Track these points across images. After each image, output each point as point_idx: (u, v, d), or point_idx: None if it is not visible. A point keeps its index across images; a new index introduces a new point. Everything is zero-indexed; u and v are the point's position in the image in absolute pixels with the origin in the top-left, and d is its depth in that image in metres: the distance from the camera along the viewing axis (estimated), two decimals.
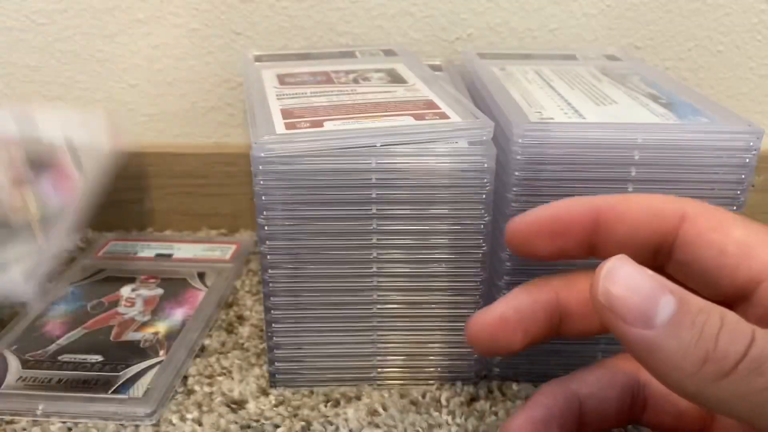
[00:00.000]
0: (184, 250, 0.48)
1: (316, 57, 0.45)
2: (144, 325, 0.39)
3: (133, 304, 0.41)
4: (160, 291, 0.43)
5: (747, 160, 0.32)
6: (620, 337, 0.18)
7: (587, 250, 0.24)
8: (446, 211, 0.32)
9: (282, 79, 0.40)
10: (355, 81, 0.39)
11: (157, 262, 0.47)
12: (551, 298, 0.24)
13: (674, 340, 0.17)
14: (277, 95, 0.37)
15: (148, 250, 0.48)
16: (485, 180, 0.31)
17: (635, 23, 0.49)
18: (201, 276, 0.44)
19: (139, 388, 0.34)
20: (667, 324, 0.17)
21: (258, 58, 0.45)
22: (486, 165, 0.31)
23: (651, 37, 0.50)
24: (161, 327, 0.39)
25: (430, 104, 0.34)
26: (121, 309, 0.41)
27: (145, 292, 0.43)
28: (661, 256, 0.23)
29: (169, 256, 0.48)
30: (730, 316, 0.17)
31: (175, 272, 0.45)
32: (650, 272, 0.18)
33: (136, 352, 0.37)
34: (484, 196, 0.31)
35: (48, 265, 0.34)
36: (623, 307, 0.17)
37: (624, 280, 0.18)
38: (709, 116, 0.34)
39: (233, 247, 0.49)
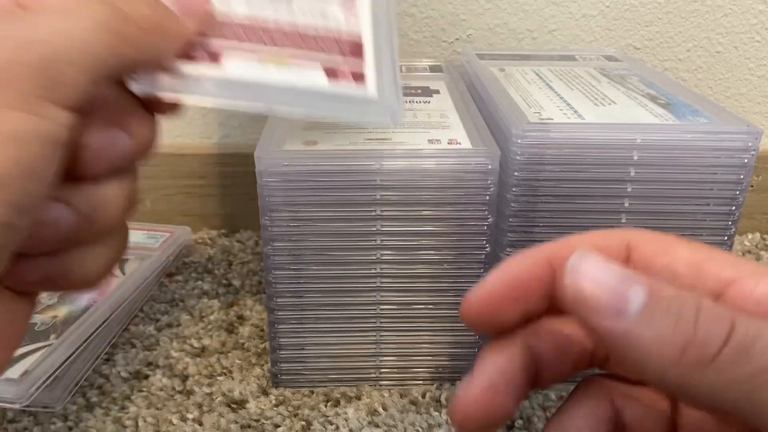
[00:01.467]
0: None
1: None
2: (48, 308, 0.39)
3: None
4: None
5: (745, 161, 0.32)
6: (594, 331, 0.17)
7: (549, 303, 0.23)
8: (449, 213, 0.32)
9: None
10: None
11: None
12: (546, 267, 0.22)
13: (649, 329, 0.16)
14: None
15: None
16: (489, 181, 0.31)
17: (634, 24, 0.50)
18: (122, 262, 0.44)
19: (16, 371, 0.33)
20: (640, 312, 0.16)
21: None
22: (489, 166, 0.31)
23: (650, 38, 0.50)
24: (62, 311, 0.38)
25: (356, 48, 0.28)
26: None
27: None
28: None
29: None
30: (707, 302, 0.17)
31: None
32: (616, 263, 0.17)
33: (30, 334, 0.36)
34: (487, 197, 0.31)
35: (52, 367, 0.34)
36: (593, 300, 0.17)
37: (591, 272, 0.17)
38: (708, 117, 0.34)
39: (167, 235, 0.48)
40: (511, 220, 0.33)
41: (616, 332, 0.17)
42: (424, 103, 0.38)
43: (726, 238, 0.34)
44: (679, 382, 0.17)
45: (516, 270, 0.22)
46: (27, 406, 0.33)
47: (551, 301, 0.22)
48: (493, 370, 0.22)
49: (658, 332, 0.16)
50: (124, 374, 0.36)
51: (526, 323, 0.23)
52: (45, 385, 0.33)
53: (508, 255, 0.33)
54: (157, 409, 0.34)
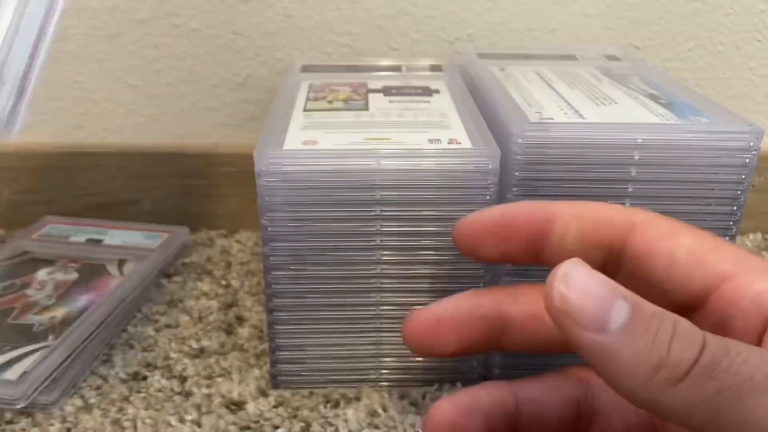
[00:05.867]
0: (116, 237, 0.47)
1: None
2: (46, 308, 0.39)
3: (43, 287, 0.41)
4: (74, 276, 0.42)
5: (747, 160, 0.32)
6: (574, 342, 0.17)
7: (533, 257, 0.23)
8: (450, 213, 0.32)
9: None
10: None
11: (85, 247, 0.46)
12: (492, 307, 0.23)
13: (628, 347, 0.17)
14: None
15: (81, 235, 0.47)
16: (489, 181, 0.31)
17: (635, 23, 0.49)
18: (121, 263, 0.44)
19: (15, 372, 0.33)
20: (622, 330, 0.17)
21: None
22: (490, 166, 0.31)
23: (651, 37, 0.50)
24: (60, 312, 0.38)
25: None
26: (29, 291, 0.40)
27: (60, 276, 0.42)
28: (609, 267, 0.22)
29: (99, 241, 0.47)
30: (683, 322, 0.17)
31: (96, 258, 0.44)
32: (604, 277, 0.18)
33: (28, 335, 0.36)
34: (487, 197, 0.31)
35: (50, 368, 0.34)
36: (578, 311, 0.17)
37: (579, 283, 0.17)
38: (709, 116, 0.34)
39: (165, 236, 0.48)
40: None
41: (596, 345, 0.17)
42: (424, 102, 0.38)
43: (727, 238, 0.34)
44: (649, 400, 0.17)
45: (511, 213, 0.23)
46: (25, 407, 0.33)
47: (534, 256, 0.23)
48: (449, 308, 0.24)
49: (635, 351, 0.17)
50: (122, 375, 0.36)
51: (511, 288, 0.24)
52: (43, 386, 0.33)
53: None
54: (156, 410, 0.33)
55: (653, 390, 0.16)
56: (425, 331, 0.24)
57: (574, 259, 0.18)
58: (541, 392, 0.23)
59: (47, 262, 0.44)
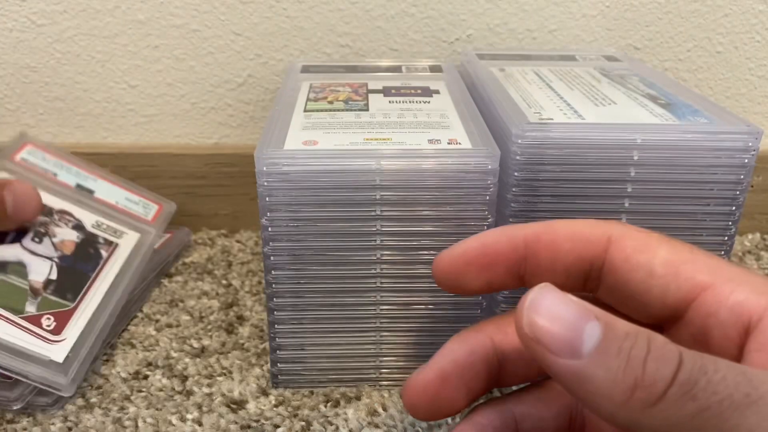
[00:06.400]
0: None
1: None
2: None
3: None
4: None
5: (746, 161, 0.32)
6: (548, 369, 0.17)
7: (517, 281, 0.23)
8: (449, 213, 0.32)
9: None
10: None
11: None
12: (487, 345, 0.23)
13: (602, 369, 0.16)
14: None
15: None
16: (488, 181, 0.31)
17: (634, 24, 0.49)
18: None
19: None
20: (593, 352, 0.16)
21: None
22: (489, 166, 0.31)
23: (650, 38, 0.50)
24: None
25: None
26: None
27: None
28: (590, 282, 0.22)
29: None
30: (658, 339, 0.17)
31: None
32: (574, 298, 0.17)
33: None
34: (487, 197, 0.31)
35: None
36: (549, 338, 0.17)
37: (548, 309, 0.17)
38: (708, 117, 0.34)
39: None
40: (511, 220, 0.33)
41: (570, 371, 0.17)
42: (424, 103, 0.38)
43: (726, 238, 0.34)
44: (628, 422, 0.16)
45: (489, 241, 0.23)
46: (23, 407, 0.33)
47: (518, 280, 0.23)
48: (449, 359, 0.23)
49: (609, 373, 0.16)
50: (123, 375, 0.36)
51: (497, 321, 0.23)
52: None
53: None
54: (157, 409, 0.34)
55: (632, 411, 0.16)
56: (433, 393, 0.22)
57: (542, 285, 0.18)
58: (536, 407, 0.23)
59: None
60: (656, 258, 0.21)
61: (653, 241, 0.21)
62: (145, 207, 0.46)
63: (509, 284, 0.23)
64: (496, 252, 0.22)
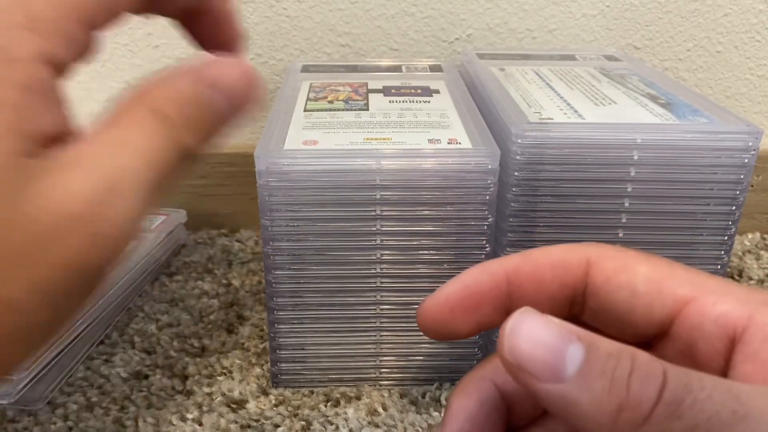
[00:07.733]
0: None
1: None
2: None
3: None
4: None
5: (746, 160, 0.32)
6: (534, 394, 0.17)
7: (506, 317, 0.23)
8: (449, 213, 0.32)
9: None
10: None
11: None
12: (493, 394, 0.22)
13: (586, 392, 0.16)
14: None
15: None
16: (488, 181, 0.31)
17: (634, 24, 0.49)
18: None
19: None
20: (576, 376, 0.16)
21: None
22: (490, 166, 0.31)
23: (650, 37, 0.50)
24: None
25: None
26: None
27: None
28: (575, 307, 0.22)
29: None
30: (641, 357, 0.16)
31: None
32: (556, 320, 0.17)
33: None
34: (487, 197, 0.31)
35: (39, 365, 0.34)
36: (531, 363, 0.16)
37: (528, 333, 0.17)
38: (708, 116, 0.34)
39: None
40: (511, 220, 0.33)
41: (555, 395, 0.16)
42: (424, 103, 0.38)
43: (726, 237, 0.34)
44: None
45: (471, 281, 0.22)
46: (14, 402, 0.33)
47: (507, 316, 0.22)
48: (465, 417, 0.22)
49: (594, 396, 0.16)
50: (123, 374, 0.36)
51: (493, 362, 0.23)
52: (33, 382, 0.33)
53: (507, 255, 0.33)
54: (157, 409, 0.34)
55: None
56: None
57: (522, 309, 0.17)
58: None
59: None
60: (637, 276, 0.20)
61: (631, 260, 0.21)
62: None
63: (499, 321, 0.22)
64: (479, 292, 0.22)
